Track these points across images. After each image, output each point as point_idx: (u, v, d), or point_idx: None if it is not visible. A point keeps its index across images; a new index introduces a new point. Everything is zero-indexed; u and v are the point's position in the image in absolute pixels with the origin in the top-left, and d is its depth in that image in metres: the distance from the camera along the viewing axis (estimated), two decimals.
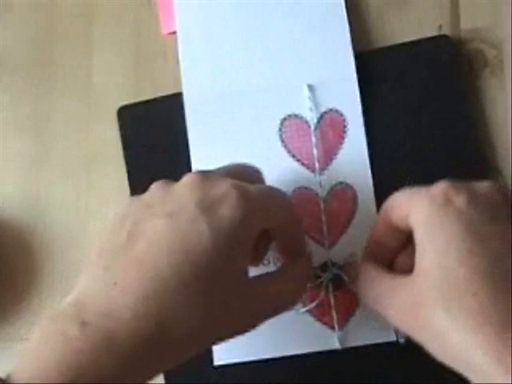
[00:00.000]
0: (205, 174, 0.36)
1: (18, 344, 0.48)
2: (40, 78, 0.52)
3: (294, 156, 0.46)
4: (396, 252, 0.39)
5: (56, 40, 0.52)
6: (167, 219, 0.34)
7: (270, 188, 0.39)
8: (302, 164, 0.46)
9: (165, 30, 0.51)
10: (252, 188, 0.36)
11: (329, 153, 0.46)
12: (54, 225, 0.50)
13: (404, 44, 0.47)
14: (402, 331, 0.37)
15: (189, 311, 0.32)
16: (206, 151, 0.47)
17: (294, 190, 0.46)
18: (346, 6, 0.48)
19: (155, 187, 0.37)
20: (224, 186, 0.35)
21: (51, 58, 0.52)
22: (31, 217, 0.50)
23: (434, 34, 0.47)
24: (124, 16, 0.52)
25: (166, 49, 0.50)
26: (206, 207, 0.34)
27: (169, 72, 0.50)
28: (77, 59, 0.52)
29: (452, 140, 0.46)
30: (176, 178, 0.47)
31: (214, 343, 0.38)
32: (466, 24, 0.48)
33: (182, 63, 0.49)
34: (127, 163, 0.49)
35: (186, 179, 0.36)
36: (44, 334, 0.32)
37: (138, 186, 0.48)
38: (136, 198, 0.37)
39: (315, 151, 0.46)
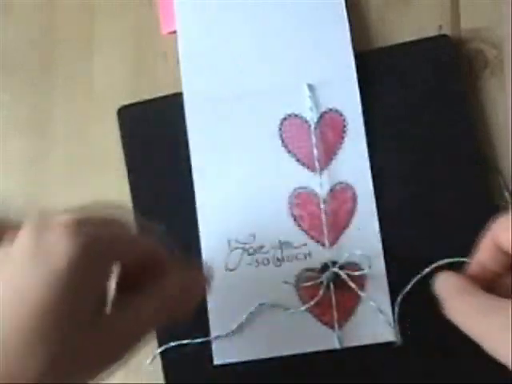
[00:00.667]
0: (43, 225, 0.34)
1: None
2: (40, 78, 0.52)
3: (294, 156, 0.46)
4: (497, 277, 0.37)
5: (56, 40, 0.53)
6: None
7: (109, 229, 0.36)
8: (302, 164, 0.46)
9: (165, 30, 0.51)
10: (87, 226, 0.34)
11: (329, 153, 0.46)
12: None
13: (404, 44, 0.47)
14: (490, 351, 0.35)
15: (32, 360, 0.31)
16: (206, 151, 0.47)
17: (294, 190, 0.46)
18: (346, 6, 0.48)
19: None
20: (57, 230, 0.33)
21: (51, 58, 0.52)
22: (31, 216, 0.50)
23: (434, 34, 0.47)
24: (124, 16, 0.52)
25: (166, 49, 0.50)
26: (36, 254, 0.32)
27: (169, 72, 0.50)
28: (77, 59, 0.52)
29: (452, 140, 0.46)
30: (175, 177, 0.48)
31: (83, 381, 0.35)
32: (466, 24, 0.48)
33: (182, 63, 0.49)
34: (127, 163, 0.49)
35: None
36: None
37: (138, 185, 0.48)
38: None
39: (315, 151, 0.46)
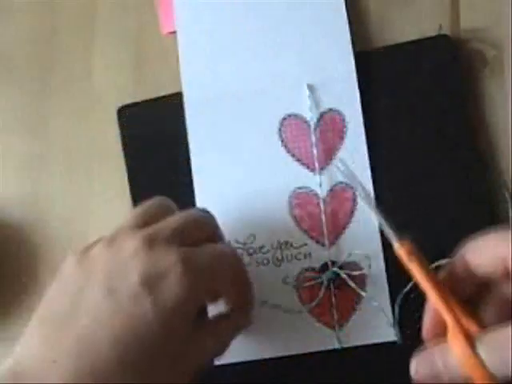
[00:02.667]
0: (150, 242, 0.36)
1: (18, 344, 0.48)
2: (40, 78, 0.52)
3: (293, 156, 0.47)
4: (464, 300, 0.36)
5: (56, 40, 0.52)
6: (109, 295, 0.34)
7: (219, 249, 0.39)
8: (302, 164, 0.46)
9: (165, 30, 0.51)
10: (199, 256, 0.36)
11: (328, 152, 0.46)
12: (55, 225, 0.50)
13: (404, 44, 0.47)
14: None
15: None
16: (206, 151, 0.47)
17: (294, 190, 0.46)
18: (346, 6, 0.48)
19: (99, 247, 0.36)
20: (169, 259, 0.35)
21: (51, 58, 0.52)
22: (31, 217, 0.50)
23: (434, 34, 0.47)
24: (124, 16, 0.52)
25: (166, 49, 0.50)
26: (150, 283, 0.34)
27: (169, 72, 0.50)
28: (77, 59, 0.52)
29: (452, 140, 0.46)
30: (175, 177, 0.48)
31: None
32: (466, 24, 0.48)
33: (181, 63, 0.49)
34: (127, 163, 0.49)
35: (131, 245, 0.35)
36: None
37: (138, 185, 0.48)
38: (80, 258, 0.36)
39: (315, 151, 0.46)
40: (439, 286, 0.35)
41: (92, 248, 0.37)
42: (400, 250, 0.37)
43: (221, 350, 0.39)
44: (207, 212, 0.41)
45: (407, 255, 0.36)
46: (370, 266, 0.44)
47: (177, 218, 0.39)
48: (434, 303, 0.35)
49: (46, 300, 0.36)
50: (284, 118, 0.47)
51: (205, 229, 0.40)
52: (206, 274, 0.36)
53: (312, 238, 0.45)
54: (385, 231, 0.38)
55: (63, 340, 0.33)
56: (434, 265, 0.42)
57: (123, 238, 0.36)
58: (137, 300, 0.33)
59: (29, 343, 0.35)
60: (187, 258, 0.35)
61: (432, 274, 0.36)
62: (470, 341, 0.33)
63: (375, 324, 0.43)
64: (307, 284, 0.45)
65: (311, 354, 0.44)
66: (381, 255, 0.44)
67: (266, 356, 0.45)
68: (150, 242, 0.35)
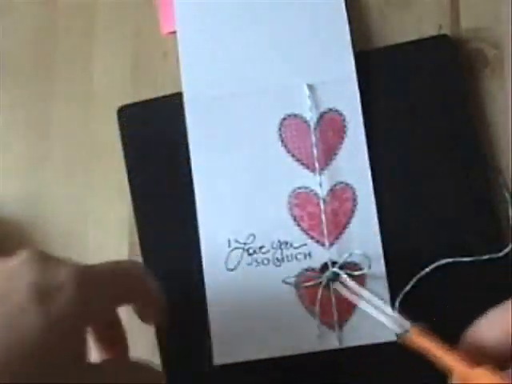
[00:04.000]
0: (45, 255, 0.34)
1: None
2: (40, 79, 0.52)
3: (293, 156, 0.46)
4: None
5: (56, 40, 0.52)
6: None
7: (118, 267, 0.37)
8: (302, 164, 0.46)
9: (165, 30, 0.51)
10: (94, 271, 0.35)
11: (328, 152, 0.46)
12: (54, 225, 0.50)
13: (404, 44, 0.47)
14: None
15: None
16: (206, 151, 0.47)
17: (294, 190, 0.46)
18: (346, 6, 0.48)
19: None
20: (63, 272, 0.33)
21: (51, 58, 0.52)
22: (31, 217, 0.50)
23: (434, 33, 0.47)
24: (124, 16, 0.52)
25: (166, 49, 0.50)
26: (40, 295, 0.32)
27: (169, 72, 0.50)
28: (77, 59, 0.52)
29: (452, 140, 0.46)
30: (175, 177, 0.48)
31: None
32: (466, 24, 0.48)
33: (182, 63, 0.49)
34: (127, 163, 0.49)
35: (24, 256, 0.34)
36: None
37: (138, 185, 0.48)
38: None
39: (315, 151, 0.46)
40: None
41: None
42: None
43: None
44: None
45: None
46: (370, 267, 0.44)
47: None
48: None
49: None
50: (284, 118, 0.47)
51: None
52: (98, 292, 0.35)
53: (312, 238, 0.45)
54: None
55: None
56: (433, 265, 0.42)
57: (17, 255, 0.35)
58: (24, 312, 0.32)
59: None
60: (82, 270, 0.34)
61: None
62: None
63: (375, 324, 0.43)
64: (307, 284, 0.45)
65: (311, 354, 0.44)
66: (381, 255, 0.44)
67: (266, 356, 0.45)
68: (44, 256, 0.34)
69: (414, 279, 0.43)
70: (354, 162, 0.46)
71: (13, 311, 0.32)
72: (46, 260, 0.34)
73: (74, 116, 0.51)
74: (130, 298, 0.38)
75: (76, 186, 0.50)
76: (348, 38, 0.47)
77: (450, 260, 0.43)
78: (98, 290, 0.35)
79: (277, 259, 0.45)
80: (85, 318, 0.34)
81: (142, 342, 0.46)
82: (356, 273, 0.44)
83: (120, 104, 0.50)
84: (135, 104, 0.50)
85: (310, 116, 0.47)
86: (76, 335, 0.33)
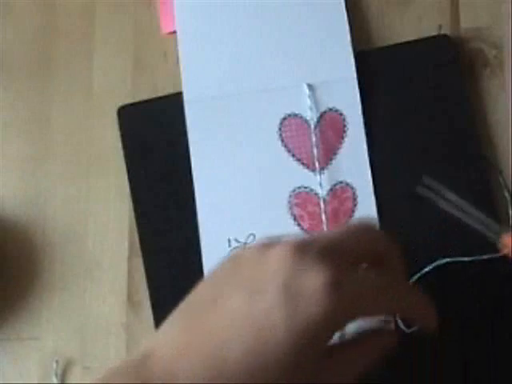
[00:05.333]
0: (301, 251, 0.32)
1: (18, 344, 0.48)
2: (40, 79, 0.52)
3: (293, 156, 0.46)
4: None
5: (56, 40, 0.52)
6: (249, 298, 0.32)
7: (380, 282, 0.35)
8: (302, 164, 0.46)
9: (165, 30, 0.51)
10: (352, 283, 0.32)
11: (329, 152, 0.46)
12: (55, 225, 0.50)
13: (404, 44, 0.47)
14: None
15: None
16: (206, 151, 0.47)
17: (294, 190, 0.46)
18: (346, 6, 0.48)
19: (252, 249, 0.34)
20: (315, 277, 0.31)
21: (51, 58, 0.52)
22: (31, 217, 0.50)
23: (434, 33, 0.47)
24: (124, 16, 0.52)
25: (166, 49, 0.50)
26: (289, 296, 0.31)
27: (169, 72, 0.50)
28: (77, 59, 0.52)
29: (452, 140, 0.46)
30: (175, 177, 0.48)
31: None
32: (466, 24, 0.47)
33: (182, 63, 0.49)
34: (127, 163, 0.49)
35: (280, 252, 0.33)
36: None
37: (138, 185, 0.48)
38: (233, 255, 0.35)
39: (315, 151, 0.46)
40: None
41: (246, 248, 0.35)
42: None
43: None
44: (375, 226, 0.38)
45: None
46: None
47: (337, 230, 0.36)
48: None
49: (194, 289, 0.34)
50: (284, 118, 0.47)
51: (368, 247, 0.36)
52: (352, 306, 0.32)
53: None
54: None
55: (198, 329, 0.32)
56: (433, 265, 0.42)
57: (276, 243, 0.34)
58: (271, 313, 0.31)
59: (167, 328, 0.33)
60: (337, 281, 0.31)
61: None
62: None
63: (375, 323, 0.43)
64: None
65: None
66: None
67: None
68: (300, 253, 0.32)
69: (414, 278, 0.43)
70: (353, 161, 0.46)
71: (260, 313, 0.31)
72: (301, 259, 0.32)
73: (74, 116, 0.51)
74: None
75: (76, 186, 0.50)
76: (348, 38, 0.47)
77: (449, 260, 0.43)
78: (347, 306, 0.32)
79: None
80: (326, 330, 0.32)
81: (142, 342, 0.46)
82: None
83: (120, 104, 0.50)
84: (135, 104, 0.50)
85: (310, 116, 0.47)
86: (315, 347, 0.32)
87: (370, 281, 0.34)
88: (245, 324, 0.31)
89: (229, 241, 0.46)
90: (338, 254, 0.33)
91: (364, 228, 0.37)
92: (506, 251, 0.41)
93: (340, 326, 0.33)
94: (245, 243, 0.46)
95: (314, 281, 0.31)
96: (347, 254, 0.34)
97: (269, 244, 0.34)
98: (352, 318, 0.33)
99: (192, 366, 0.31)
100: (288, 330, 0.31)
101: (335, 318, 0.32)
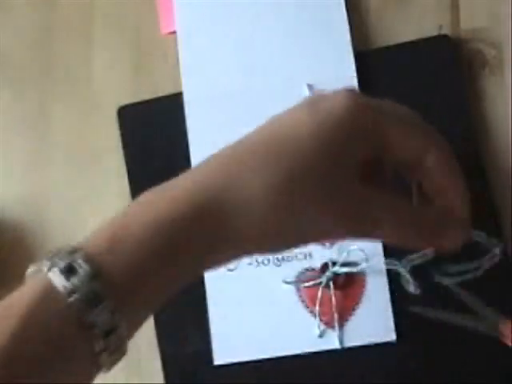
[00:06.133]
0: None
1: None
2: (40, 79, 0.52)
3: None
4: None
5: (56, 40, 0.53)
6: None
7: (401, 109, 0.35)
8: None
9: (165, 30, 0.51)
10: (373, 101, 0.34)
11: None
12: (55, 225, 0.50)
13: (404, 44, 0.47)
14: None
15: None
16: (206, 151, 0.47)
17: None
18: (346, 6, 0.48)
19: None
20: (337, 97, 0.32)
21: (51, 58, 0.52)
22: (31, 217, 0.50)
23: (434, 34, 0.47)
24: (124, 16, 0.52)
25: (166, 49, 0.50)
26: (312, 103, 0.33)
27: (169, 72, 0.50)
28: (77, 59, 0.52)
29: (452, 140, 0.45)
30: (175, 177, 0.48)
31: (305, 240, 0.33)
32: (466, 24, 0.48)
33: (181, 63, 0.49)
34: (127, 163, 0.49)
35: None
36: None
37: (138, 185, 0.48)
38: None
39: None
40: None
41: None
42: None
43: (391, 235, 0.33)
44: None
45: None
46: (369, 265, 0.44)
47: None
48: None
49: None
50: None
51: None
52: (373, 110, 0.33)
53: None
54: None
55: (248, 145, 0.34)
56: None
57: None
58: (296, 111, 0.33)
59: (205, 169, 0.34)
60: (357, 94, 0.33)
61: None
62: None
63: (375, 324, 0.43)
64: (307, 284, 0.45)
65: (311, 353, 0.44)
66: (381, 254, 0.44)
67: (266, 356, 0.44)
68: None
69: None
70: None
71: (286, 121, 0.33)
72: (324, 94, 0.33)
73: (74, 116, 0.51)
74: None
75: (76, 186, 0.50)
76: (348, 37, 0.47)
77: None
78: (375, 111, 0.33)
79: (277, 259, 0.45)
80: (354, 141, 0.32)
81: (143, 342, 0.46)
82: (355, 269, 0.44)
83: (120, 104, 0.50)
84: (135, 104, 0.50)
85: None
86: (344, 155, 0.31)
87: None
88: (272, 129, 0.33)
89: None
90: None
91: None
92: (506, 341, 0.41)
93: (364, 134, 0.32)
94: None
95: (336, 98, 0.32)
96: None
97: None
98: (379, 137, 0.32)
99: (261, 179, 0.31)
100: (314, 126, 0.31)
101: (360, 118, 0.32)
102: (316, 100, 0.33)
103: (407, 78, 0.47)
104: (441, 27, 0.48)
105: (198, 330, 0.45)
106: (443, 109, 0.46)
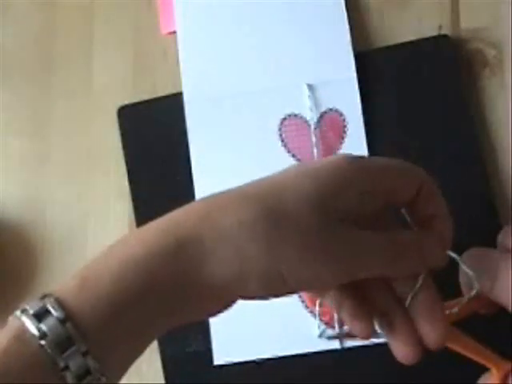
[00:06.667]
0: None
1: None
2: (40, 78, 0.52)
3: (293, 156, 0.47)
4: None
5: (56, 40, 0.53)
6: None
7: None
8: None
9: (165, 30, 0.51)
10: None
11: (328, 152, 0.46)
12: (54, 225, 0.50)
13: (404, 44, 0.47)
14: None
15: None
16: (206, 151, 0.47)
17: None
18: (346, 6, 0.48)
19: None
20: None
21: (51, 58, 0.52)
22: (31, 217, 0.50)
23: (434, 34, 0.47)
24: (124, 16, 0.52)
25: (166, 49, 0.50)
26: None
27: (169, 72, 0.50)
28: (77, 59, 0.52)
29: (452, 140, 0.46)
30: (175, 177, 0.48)
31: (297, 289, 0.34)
32: (466, 24, 0.48)
33: (181, 63, 0.49)
34: (127, 163, 0.49)
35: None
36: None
37: (138, 185, 0.48)
38: None
39: (315, 151, 0.46)
40: None
41: None
42: None
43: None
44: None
45: None
46: None
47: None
48: None
49: None
50: (284, 118, 0.47)
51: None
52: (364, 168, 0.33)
53: None
54: None
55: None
56: None
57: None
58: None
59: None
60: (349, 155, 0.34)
61: None
62: None
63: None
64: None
65: (311, 354, 0.44)
66: None
67: (266, 356, 0.44)
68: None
69: None
70: None
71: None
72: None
73: (74, 116, 0.51)
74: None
75: (76, 186, 0.50)
76: (348, 38, 0.47)
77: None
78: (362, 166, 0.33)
79: None
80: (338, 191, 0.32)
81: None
82: None
83: (120, 104, 0.50)
84: (135, 104, 0.50)
85: (310, 116, 0.47)
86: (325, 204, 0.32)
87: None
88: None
89: None
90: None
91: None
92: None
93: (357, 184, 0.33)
94: None
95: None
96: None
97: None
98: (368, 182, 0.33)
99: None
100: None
101: (353, 172, 0.33)
102: (308, 163, 0.35)
103: (407, 78, 0.47)
104: (441, 27, 0.48)
105: (198, 330, 0.45)
106: (443, 109, 0.46)
